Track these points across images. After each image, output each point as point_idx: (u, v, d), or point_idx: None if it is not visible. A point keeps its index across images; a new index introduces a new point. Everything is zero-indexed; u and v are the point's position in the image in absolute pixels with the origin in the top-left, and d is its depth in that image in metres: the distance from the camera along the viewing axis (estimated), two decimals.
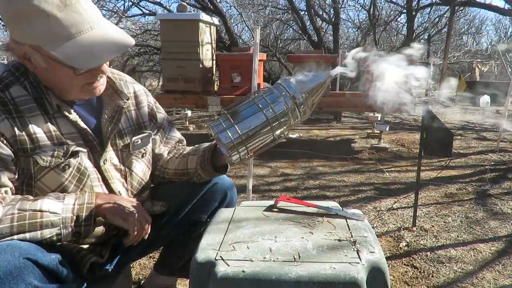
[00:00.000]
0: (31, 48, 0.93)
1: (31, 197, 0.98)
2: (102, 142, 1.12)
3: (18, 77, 1.00)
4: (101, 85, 1.06)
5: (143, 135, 1.21)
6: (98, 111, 1.13)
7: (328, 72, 1.10)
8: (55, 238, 0.93)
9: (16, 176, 0.99)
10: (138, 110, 1.23)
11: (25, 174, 1.00)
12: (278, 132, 1.07)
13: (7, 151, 0.95)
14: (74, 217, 0.95)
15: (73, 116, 1.05)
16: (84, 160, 1.07)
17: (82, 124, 1.06)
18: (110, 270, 1.18)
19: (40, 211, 0.91)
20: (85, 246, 1.11)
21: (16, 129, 0.96)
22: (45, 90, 1.01)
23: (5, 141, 0.95)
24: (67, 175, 1.03)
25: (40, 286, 0.84)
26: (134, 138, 1.19)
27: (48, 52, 0.91)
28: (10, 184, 0.97)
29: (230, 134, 1.04)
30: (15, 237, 0.88)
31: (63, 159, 1.02)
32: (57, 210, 0.93)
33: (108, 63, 1.04)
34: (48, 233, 0.91)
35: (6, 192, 0.96)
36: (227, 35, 7.82)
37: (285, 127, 1.07)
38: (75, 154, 1.04)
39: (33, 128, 0.98)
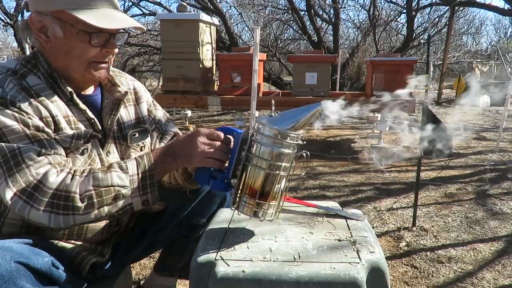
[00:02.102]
0: (53, 17, 1.00)
1: (98, 168, 1.01)
2: (104, 135, 1.14)
3: (31, 69, 1.04)
4: (105, 69, 1.10)
5: (140, 129, 1.23)
6: (99, 105, 1.17)
7: (319, 103, 1.00)
8: (128, 207, 1.00)
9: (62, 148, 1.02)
10: (137, 106, 1.25)
11: None
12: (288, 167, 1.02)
13: (46, 127, 0.98)
14: (141, 186, 1.00)
15: (82, 105, 1.08)
16: (94, 148, 1.10)
17: (90, 114, 1.09)
18: (110, 270, 1.18)
19: (112, 186, 0.97)
20: (86, 245, 1.11)
21: (41, 111, 0.99)
22: (58, 78, 1.05)
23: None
24: (82, 159, 1.05)
25: None
26: (131, 131, 1.20)
27: (71, 15, 0.98)
28: (64, 153, 1.01)
29: (262, 211, 1.00)
30: (96, 211, 0.94)
31: (82, 141, 1.05)
32: (126, 183, 0.99)
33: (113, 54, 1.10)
34: (121, 204, 0.98)
35: (67, 162, 0.99)
36: (227, 35, 7.82)
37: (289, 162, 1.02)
38: (90, 140, 1.07)
39: (55, 111, 1.01)
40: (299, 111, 0.98)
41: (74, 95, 1.06)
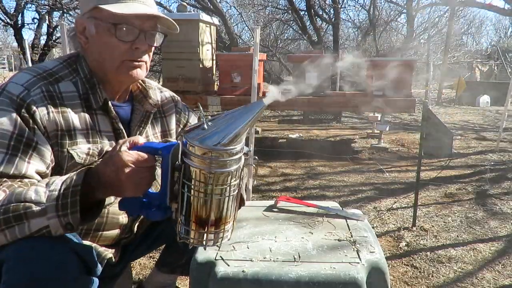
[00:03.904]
0: (88, 17, 1.02)
1: (35, 182, 0.89)
2: None
3: (71, 72, 1.04)
4: (138, 68, 1.07)
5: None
6: (129, 116, 1.16)
7: (261, 101, 0.79)
8: (44, 231, 0.82)
9: (48, 171, 0.96)
10: (163, 118, 1.24)
11: (55, 171, 1.00)
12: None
13: (47, 145, 0.95)
14: (60, 204, 0.81)
15: (114, 114, 1.07)
16: None
17: (120, 124, 1.08)
18: (117, 270, 1.19)
19: (24, 201, 0.81)
20: (99, 246, 1.12)
21: (58, 123, 0.98)
22: (97, 83, 1.05)
23: (46, 134, 0.96)
24: None
25: (80, 277, 0.87)
26: None
27: (100, 9, 0.98)
28: (37, 177, 0.93)
29: (214, 239, 0.83)
30: (6, 232, 0.80)
31: (97, 157, 1.03)
32: (41, 198, 0.82)
33: (148, 55, 1.09)
34: (34, 225, 0.81)
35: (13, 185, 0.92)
36: (227, 35, 7.82)
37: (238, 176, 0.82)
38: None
39: (74, 124, 1.00)
40: (239, 114, 0.79)
41: (109, 103, 1.06)
